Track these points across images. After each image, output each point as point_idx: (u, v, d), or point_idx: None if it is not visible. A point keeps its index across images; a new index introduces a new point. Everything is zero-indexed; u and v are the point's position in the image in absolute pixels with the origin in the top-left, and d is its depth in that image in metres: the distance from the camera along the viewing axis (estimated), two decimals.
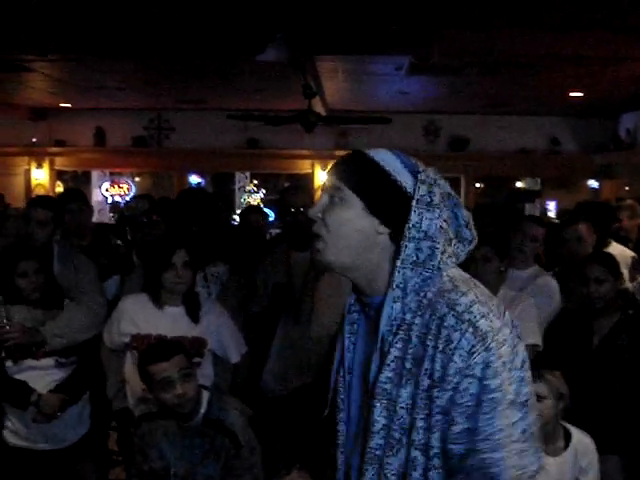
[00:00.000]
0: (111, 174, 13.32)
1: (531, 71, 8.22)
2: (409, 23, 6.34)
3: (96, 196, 13.09)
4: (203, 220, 4.35)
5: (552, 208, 13.18)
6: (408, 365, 1.55)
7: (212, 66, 8.31)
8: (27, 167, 12.61)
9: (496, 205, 10.45)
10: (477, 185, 13.00)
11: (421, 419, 1.54)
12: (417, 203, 1.61)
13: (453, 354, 1.49)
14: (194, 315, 3.68)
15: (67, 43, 7.11)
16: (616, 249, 5.82)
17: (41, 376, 3.76)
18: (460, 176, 12.39)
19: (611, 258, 4.04)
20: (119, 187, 13.20)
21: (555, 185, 13.51)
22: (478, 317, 1.51)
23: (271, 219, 8.17)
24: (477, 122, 11.53)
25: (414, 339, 1.56)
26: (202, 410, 3.21)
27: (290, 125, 9.67)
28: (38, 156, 12.52)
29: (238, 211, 10.99)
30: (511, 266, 4.24)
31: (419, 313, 1.57)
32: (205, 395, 3.26)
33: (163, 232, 4.67)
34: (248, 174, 13.31)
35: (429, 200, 1.61)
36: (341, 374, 1.77)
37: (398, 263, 1.60)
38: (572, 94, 9.83)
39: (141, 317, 3.69)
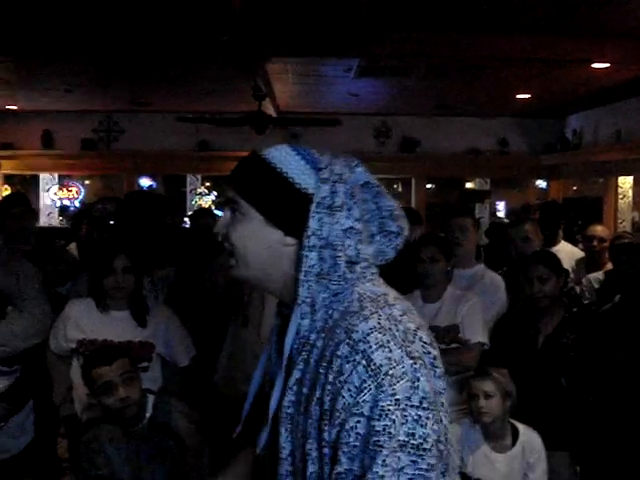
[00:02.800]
0: (60, 177, 13.11)
1: (479, 73, 8.30)
2: (358, 25, 6.36)
3: (45, 200, 12.87)
4: (149, 223, 4.30)
5: (501, 208, 13.33)
6: (305, 390, 1.41)
7: (161, 68, 8.25)
8: None
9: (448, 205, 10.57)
10: (428, 186, 13.07)
11: (315, 449, 1.38)
12: (317, 207, 1.43)
13: (342, 388, 1.32)
14: (141, 319, 3.66)
15: (12, 45, 6.99)
16: (565, 248, 5.93)
17: None
18: (411, 177, 12.47)
19: (554, 257, 4.10)
20: (68, 190, 13.00)
21: (504, 185, 13.67)
22: (374, 347, 1.32)
23: None
24: (427, 123, 11.60)
25: (312, 362, 1.41)
26: (147, 414, 3.19)
27: (241, 127, 9.65)
28: None
29: (189, 213, 10.93)
30: (455, 266, 4.29)
31: (322, 335, 1.41)
32: (150, 399, 3.23)
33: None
34: (199, 176, 13.21)
35: (331, 202, 1.43)
36: (265, 387, 1.63)
37: (301, 276, 1.43)
38: (520, 96, 9.95)
39: (87, 322, 3.66)
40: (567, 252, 5.90)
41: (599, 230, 6.25)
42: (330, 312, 1.43)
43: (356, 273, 1.46)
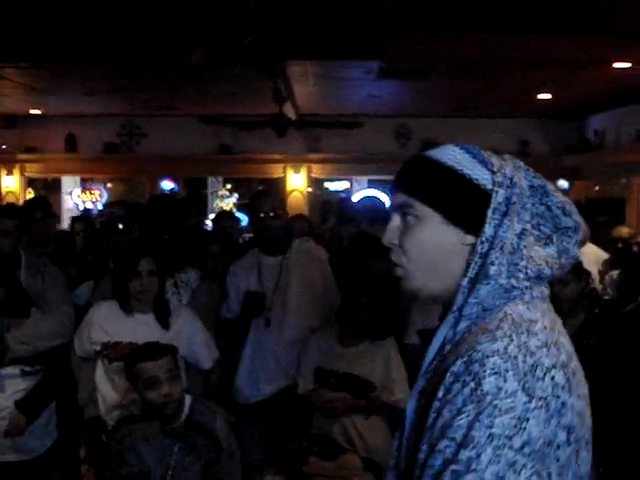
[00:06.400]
0: (82, 181, 13.24)
1: (500, 74, 8.30)
2: (379, 27, 6.38)
3: (67, 203, 12.99)
4: (173, 226, 4.34)
5: None
6: (423, 401, 1.34)
7: (182, 71, 8.30)
8: None
9: None
10: None
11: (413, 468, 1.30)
12: (493, 213, 1.34)
13: (444, 407, 1.22)
14: (164, 322, 3.69)
15: (37, 50, 7.07)
16: (591, 249, 5.97)
17: (6, 385, 3.72)
18: None
19: None
20: (90, 194, 13.13)
21: None
22: (488, 373, 1.20)
23: (244, 224, 8.17)
24: (447, 125, 11.57)
25: (438, 375, 1.31)
26: (184, 413, 3.24)
27: (262, 130, 9.69)
28: (8, 163, 12.40)
29: (211, 216, 11.01)
30: None
31: (454, 347, 1.33)
32: (187, 399, 3.28)
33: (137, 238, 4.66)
34: (221, 179, 13.29)
35: (505, 209, 1.35)
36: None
37: (464, 281, 1.35)
38: (540, 96, 9.93)
39: (111, 324, 3.69)
40: (593, 253, 5.93)
41: (625, 232, 6.29)
42: (471, 327, 1.32)
43: (516, 290, 1.34)
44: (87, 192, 13.13)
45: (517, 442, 1.17)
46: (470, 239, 1.37)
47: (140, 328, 3.66)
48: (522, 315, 1.30)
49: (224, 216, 6.66)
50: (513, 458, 1.16)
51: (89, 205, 13.02)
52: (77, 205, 13.01)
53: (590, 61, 7.56)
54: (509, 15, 5.99)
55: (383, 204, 7.79)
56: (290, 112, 9.85)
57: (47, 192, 12.85)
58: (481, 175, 1.38)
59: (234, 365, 4.24)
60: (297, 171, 12.33)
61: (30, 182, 12.98)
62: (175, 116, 11.69)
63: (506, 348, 1.22)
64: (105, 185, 13.60)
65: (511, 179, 1.37)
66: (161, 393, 3.13)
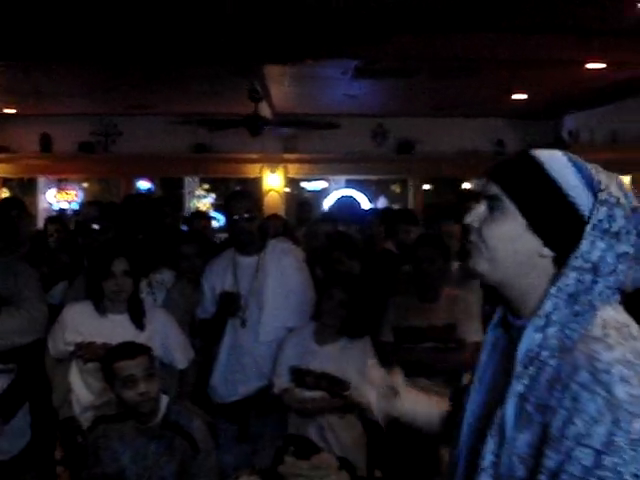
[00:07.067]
0: (58, 180, 13.13)
1: (474, 74, 8.34)
2: (356, 28, 6.39)
3: (43, 203, 12.88)
4: (147, 226, 4.33)
5: None
6: (529, 408, 1.36)
7: (158, 71, 8.27)
8: None
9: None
10: (427, 187, 13.09)
11: (522, 469, 1.37)
12: (592, 229, 1.37)
13: (576, 416, 1.28)
14: (138, 322, 3.68)
15: (10, 49, 7.01)
16: None
17: None
18: (408, 178, 12.52)
19: None
20: (66, 193, 13.02)
21: None
22: (617, 381, 1.27)
23: (221, 224, 8.15)
24: (424, 125, 11.62)
25: (543, 382, 1.35)
26: (161, 413, 3.24)
27: (238, 129, 9.67)
28: None
29: (186, 216, 10.98)
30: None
31: (556, 355, 1.36)
32: (164, 399, 3.29)
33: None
34: (197, 179, 13.24)
35: (607, 227, 1.37)
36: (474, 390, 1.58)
37: (553, 290, 1.38)
38: (515, 96, 9.99)
39: (85, 325, 3.68)
40: None
41: None
42: (567, 332, 1.37)
43: (603, 299, 1.40)
44: (62, 192, 13.02)
45: None
46: (547, 252, 1.41)
47: (114, 328, 3.64)
48: (617, 320, 1.37)
49: (198, 216, 6.65)
50: None
51: (64, 205, 12.92)
52: (52, 205, 12.90)
53: (564, 61, 7.61)
54: (484, 15, 6.02)
55: (359, 204, 7.82)
56: (266, 111, 9.84)
57: (22, 192, 12.72)
58: (580, 197, 1.40)
59: (209, 365, 4.23)
60: (273, 171, 12.31)
61: (5, 182, 12.86)
62: (151, 115, 11.62)
63: (624, 355, 1.29)
64: (80, 185, 13.49)
65: (618, 198, 1.39)
66: (137, 392, 3.14)
